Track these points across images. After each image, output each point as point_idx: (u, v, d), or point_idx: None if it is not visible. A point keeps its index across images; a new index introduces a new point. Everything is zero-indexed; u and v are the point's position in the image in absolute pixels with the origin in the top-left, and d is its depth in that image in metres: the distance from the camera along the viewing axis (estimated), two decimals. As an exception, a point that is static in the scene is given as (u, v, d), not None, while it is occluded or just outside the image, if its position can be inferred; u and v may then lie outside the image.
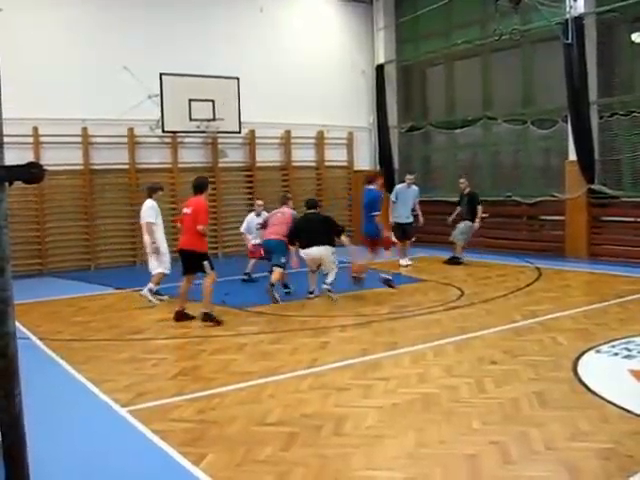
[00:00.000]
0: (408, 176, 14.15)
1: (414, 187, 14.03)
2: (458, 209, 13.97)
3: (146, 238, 10.37)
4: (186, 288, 8.97)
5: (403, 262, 13.57)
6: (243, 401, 5.64)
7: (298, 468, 4.26)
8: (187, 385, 6.12)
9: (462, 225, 13.73)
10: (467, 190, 13.93)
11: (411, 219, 13.87)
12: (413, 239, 14.07)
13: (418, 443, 4.62)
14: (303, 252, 10.13)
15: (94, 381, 6.26)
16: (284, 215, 10.79)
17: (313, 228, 10.14)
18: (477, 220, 13.58)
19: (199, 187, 9.03)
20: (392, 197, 13.99)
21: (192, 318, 8.79)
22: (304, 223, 10.37)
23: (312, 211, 10.60)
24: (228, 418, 5.20)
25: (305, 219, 10.51)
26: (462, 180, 14.07)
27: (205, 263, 8.72)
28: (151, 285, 10.13)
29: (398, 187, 14.16)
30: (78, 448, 4.74)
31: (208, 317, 8.58)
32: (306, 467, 4.28)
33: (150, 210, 10.30)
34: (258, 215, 12.16)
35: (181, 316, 8.83)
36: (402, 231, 13.56)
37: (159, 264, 10.22)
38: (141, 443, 4.79)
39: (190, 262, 8.79)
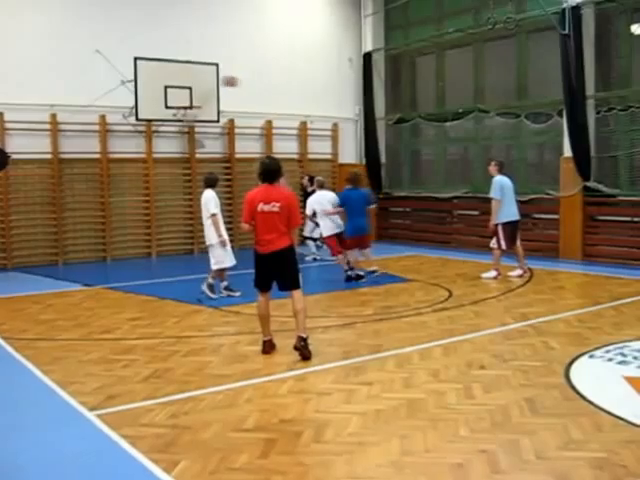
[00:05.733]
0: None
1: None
2: None
3: (209, 231, 10.15)
4: (269, 309, 7.30)
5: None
6: (218, 405, 5.62)
7: (276, 476, 4.25)
8: (159, 388, 6.08)
9: None
10: None
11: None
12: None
13: (402, 451, 4.62)
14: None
15: (60, 383, 6.21)
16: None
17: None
18: None
19: (277, 172, 7.17)
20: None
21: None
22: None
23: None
24: (202, 423, 5.18)
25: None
26: None
27: (300, 275, 7.24)
28: (211, 282, 10.17)
29: None
30: (42, 454, 4.69)
31: (307, 344, 7.07)
32: (284, 475, 4.27)
33: (214, 200, 10.11)
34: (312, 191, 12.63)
35: (272, 347, 7.30)
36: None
37: (222, 258, 10.12)
38: (110, 449, 4.75)
39: (280, 270, 7.10)
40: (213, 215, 10.05)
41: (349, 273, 11.56)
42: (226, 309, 9.50)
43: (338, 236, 11.71)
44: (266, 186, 7.11)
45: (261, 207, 6.98)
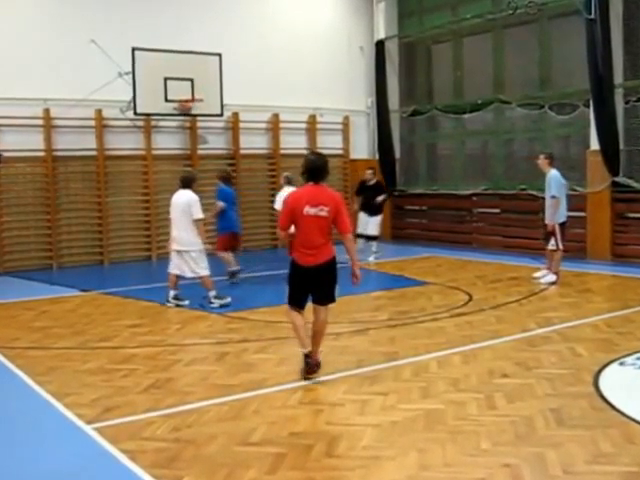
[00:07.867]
0: None
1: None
2: None
3: (191, 236, 9.92)
4: (303, 319, 6.90)
5: None
6: (224, 418, 5.62)
7: (285, 493, 4.26)
8: (161, 399, 6.09)
9: None
10: None
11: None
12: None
13: (420, 466, 4.61)
14: None
15: (56, 394, 6.22)
16: None
17: None
18: None
19: (324, 170, 6.68)
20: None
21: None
22: None
23: None
24: (207, 437, 5.18)
25: None
26: None
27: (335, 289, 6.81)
28: (214, 292, 10.08)
29: None
30: (37, 469, 4.70)
31: (317, 365, 6.76)
32: (294, 492, 4.28)
33: (199, 204, 9.93)
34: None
35: (317, 364, 6.76)
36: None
37: (203, 266, 10.01)
38: (109, 465, 4.76)
39: (320, 285, 6.72)
40: (201, 219, 9.95)
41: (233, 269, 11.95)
42: (231, 315, 9.52)
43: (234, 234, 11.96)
44: (312, 186, 6.61)
45: (307, 210, 6.46)
